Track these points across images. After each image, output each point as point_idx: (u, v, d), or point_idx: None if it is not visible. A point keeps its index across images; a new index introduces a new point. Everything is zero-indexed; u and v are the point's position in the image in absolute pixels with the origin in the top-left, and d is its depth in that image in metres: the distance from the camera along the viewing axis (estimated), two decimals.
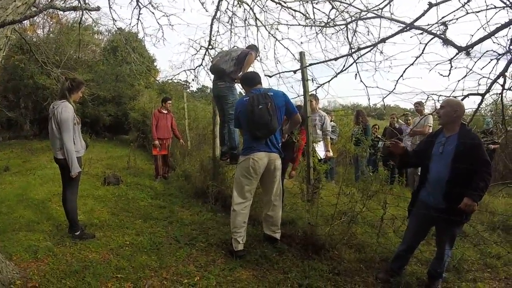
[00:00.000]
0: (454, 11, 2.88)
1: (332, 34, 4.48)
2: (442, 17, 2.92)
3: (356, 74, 3.77)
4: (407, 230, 3.11)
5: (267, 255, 3.38)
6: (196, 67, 6.17)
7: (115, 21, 5.81)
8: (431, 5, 2.82)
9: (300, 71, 3.92)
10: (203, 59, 6.07)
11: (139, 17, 5.62)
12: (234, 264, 3.25)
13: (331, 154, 5.20)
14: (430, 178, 2.88)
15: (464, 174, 2.66)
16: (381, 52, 3.79)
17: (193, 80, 6.48)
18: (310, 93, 4.07)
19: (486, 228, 4.33)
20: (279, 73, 4.04)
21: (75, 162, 3.50)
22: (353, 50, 3.31)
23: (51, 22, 13.22)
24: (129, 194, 5.67)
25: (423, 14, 2.82)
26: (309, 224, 3.56)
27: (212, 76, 4.69)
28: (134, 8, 5.50)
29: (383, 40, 3.40)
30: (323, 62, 3.24)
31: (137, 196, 5.55)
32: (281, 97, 3.51)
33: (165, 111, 7.17)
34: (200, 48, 6.00)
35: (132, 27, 5.85)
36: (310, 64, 3.93)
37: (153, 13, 5.57)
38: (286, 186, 4.63)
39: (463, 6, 2.86)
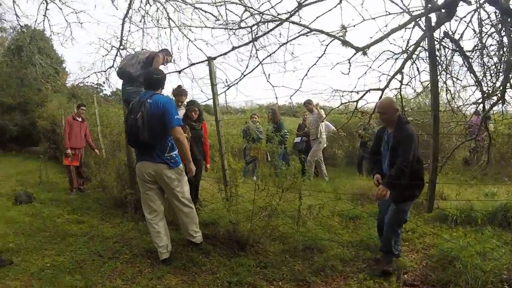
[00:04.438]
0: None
1: (244, 35, 4.56)
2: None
3: (269, 75, 4.02)
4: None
5: (193, 258, 3.40)
6: (107, 68, 5.82)
7: (19, 17, 5.20)
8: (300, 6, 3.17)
9: (209, 76, 4.03)
10: (114, 60, 5.75)
11: (45, 13, 5.15)
12: (162, 272, 3.21)
13: None
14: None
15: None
16: (292, 53, 4.05)
17: (104, 83, 6.15)
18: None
19: None
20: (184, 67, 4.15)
21: None
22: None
23: None
24: (44, 211, 5.23)
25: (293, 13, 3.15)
26: (231, 222, 3.62)
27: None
28: (41, 3, 5.03)
29: (287, 42, 3.67)
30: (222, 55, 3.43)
31: (52, 213, 5.14)
32: (159, 106, 3.19)
33: (79, 119, 6.74)
34: (111, 49, 5.69)
35: (38, 24, 5.30)
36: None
37: (61, 9, 5.18)
38: (203, 187, 4.63)
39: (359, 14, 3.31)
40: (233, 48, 3.81)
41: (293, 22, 3.43)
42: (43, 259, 3.54)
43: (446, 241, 3.56)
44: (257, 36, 3.77)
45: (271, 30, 3.72)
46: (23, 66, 13.85)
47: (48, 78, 12.70)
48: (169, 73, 3.79)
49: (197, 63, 4.30)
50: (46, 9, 5.12)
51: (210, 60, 3.95)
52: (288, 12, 3.55)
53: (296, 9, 3.47)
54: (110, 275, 3.20)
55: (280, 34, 4.14)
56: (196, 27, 4.85)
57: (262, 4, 3.82)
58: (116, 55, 5.70)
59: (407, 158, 3.00)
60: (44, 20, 5.27)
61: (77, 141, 6.64)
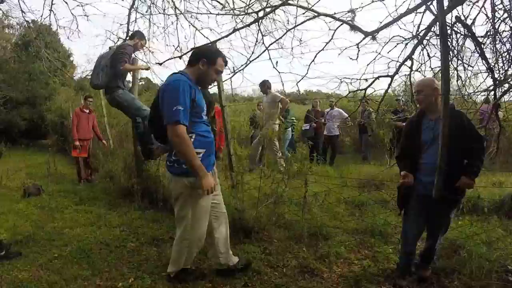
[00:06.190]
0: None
1: (251, 23, 4.52)
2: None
3: (276, 62, 3.94)
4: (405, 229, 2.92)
5: None
6: None
7: (25, 13, 5.19)
8: None
9: None
10: None
11: (51, 7, 5.13)
12: (167, 259, 3.17)
13: None
14: (424, 166, 2.69)
15: (459, 154, 2.58)
16: (300, 40, 3.97)
17: None
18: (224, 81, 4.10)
19: None
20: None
21: None
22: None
23: None
24: (52, 203, 5.27)
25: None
26: (236, 209, 3.60)
27: None
28: None
29: (294, 27, 3.58)
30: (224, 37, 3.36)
31: (61, 205, 5.19)
32: (161, 90, 2.40)
33: (87, 111, 6.81)
34: (118, 40, 5.68)
35: (44, 19, 5.30)
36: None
37: (66, 2, 5.14)
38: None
39: None
40: (235, 30, 3.76)
41: (297, 5, 3.36)
42: (51, 250, 3.57)
43: (452, 229, 3.47)
44: (260, 17, 3.70)
45: (274, 10, 3.65)
46: (30, 61, 13.97)
47: (55, 72, 12.85)
48: (172, 58, 3.72)
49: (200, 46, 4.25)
50: (52, 3, 5.09)
51: (214, 43, 3.90)
52: None
53: None
54: (116, 263, 3.23)
55: (288, 21, 4.09)
56: (202, 13, 4.77)
57: None
58: None
59: (483, 143, 2.67)
60: (50, 15, 5.24)
61: (85, 132, 6.72)
